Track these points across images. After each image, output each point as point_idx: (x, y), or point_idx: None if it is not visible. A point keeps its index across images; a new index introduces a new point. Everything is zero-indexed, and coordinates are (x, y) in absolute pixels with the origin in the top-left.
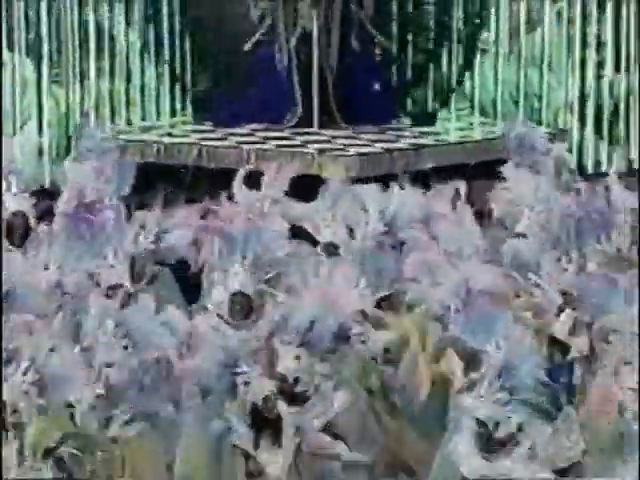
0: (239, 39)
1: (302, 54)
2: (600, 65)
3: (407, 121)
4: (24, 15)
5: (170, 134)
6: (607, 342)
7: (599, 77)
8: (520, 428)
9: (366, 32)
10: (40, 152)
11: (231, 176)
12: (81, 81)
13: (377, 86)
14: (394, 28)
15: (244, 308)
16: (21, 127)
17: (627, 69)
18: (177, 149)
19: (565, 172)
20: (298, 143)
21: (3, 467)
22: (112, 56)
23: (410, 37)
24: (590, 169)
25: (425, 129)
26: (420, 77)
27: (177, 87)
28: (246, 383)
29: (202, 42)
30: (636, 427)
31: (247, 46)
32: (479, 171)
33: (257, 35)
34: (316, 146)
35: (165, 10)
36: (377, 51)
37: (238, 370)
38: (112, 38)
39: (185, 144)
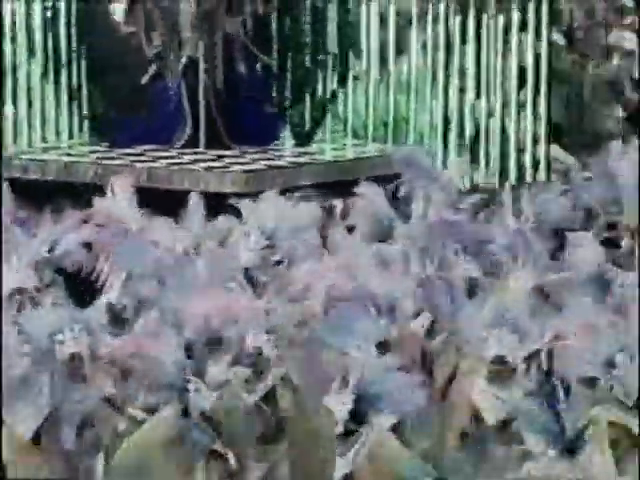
0: (133, 65)
1: (189, 78)
2: (462, 91)
3: (288, 141)
4: None
5: (69, 154)
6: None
7: (461, 102)
8: None
9: (250, 55)
10: None
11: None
12: None
13: (261, 107)
14: (275, 51)
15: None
16: None
17: (487, 95)
18: (75, 167)
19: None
20: (186, 161)
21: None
22: (14, 81)
23: (289, 61)
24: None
25: (303, 149)
26: (298, 100)
27: (75, 110)
28: None
29: (98, 68)
30: None
31: (144, 79)
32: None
33: (153, 68)
34: (202, 164)
35: (64, 38)
36: (261, 74)
37: None
38: (14, 65)
39: (83, 163)
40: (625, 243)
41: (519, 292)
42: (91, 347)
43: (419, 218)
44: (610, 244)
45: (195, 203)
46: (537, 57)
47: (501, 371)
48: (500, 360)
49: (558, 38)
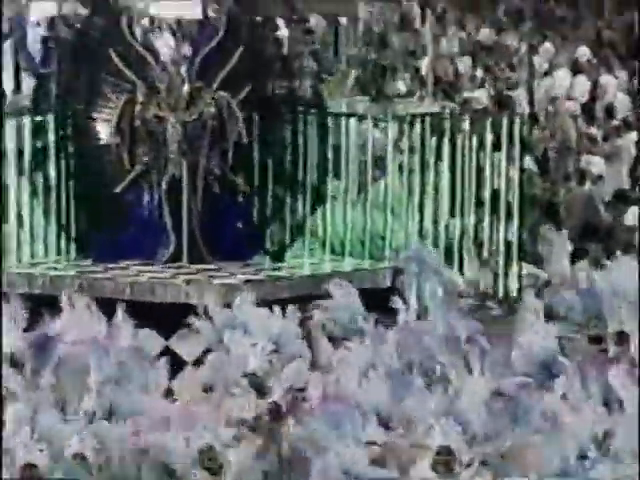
0: (114, 184)
1: (171, 197)
2: (436, 211)
3: (264, 257)
4: None
5: (55, 268)
6: None
7: (435, 221)
8: None
9: (229, 178)
10: None
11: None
12: None
13: (238, 225)
14: (254, 174)
15: None
16: None
17: (461, 214)
18: (60, 281)
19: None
20: (168, 275)
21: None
22: (5, 202)
23: (268, 183)
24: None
25: (281, 264)
26: (274, 219)
27: (63, 228)
28: None
29: (82, 190)
30: None
31: (118, 189)
32: None
33: (129, 179)
34: (184, 277)
35: (52, 162)
36: (239, 195)
37: None
38: (3, 187)
39: (68, 276)
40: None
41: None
42: None
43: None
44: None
45: None
46: (509, 181)
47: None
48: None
49: (530, 164)
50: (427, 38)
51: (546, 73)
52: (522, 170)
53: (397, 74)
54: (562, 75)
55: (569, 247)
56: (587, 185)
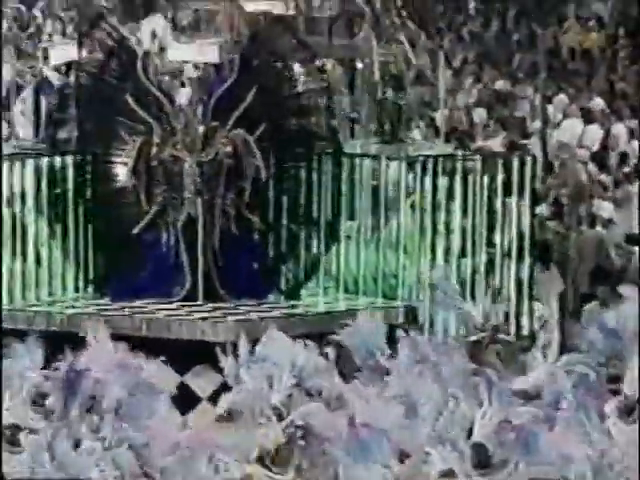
0: (131, 225)
1: (188, 236)
2: (448, 250)
3: (279, 295)
4: None
5: (73, 306)
6: None
7: (447, 260)
8: None
9: (244, 217)
10: None
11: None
12: None
13: (254, 264)
14: (269, 212)
15: None
16: None
17: (473, 254)
18: (78, 319)
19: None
20: (184, 313)
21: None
22: (24, 241)
23: (283, 221)
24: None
25: (296, 302)
26: (288, 257)
27: (80, 269)
28: None
29: (100, 231)
30: None
31: (137, 229)
32: None
33: (146, 220)
34: (200, 315)
35: (70, 203)
36: (254, 233)
37: None
38: (24, 226)
39: (85, 314)
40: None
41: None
42: None
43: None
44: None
45: None
46: (520, 224)
47: None
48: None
49: (543, 209)
50: (443, 91)
51: (559, 123)
52: (534, 215)
53: (412, 123)
54: (574, 124)
55: (560, 286)
56: (598, 228)
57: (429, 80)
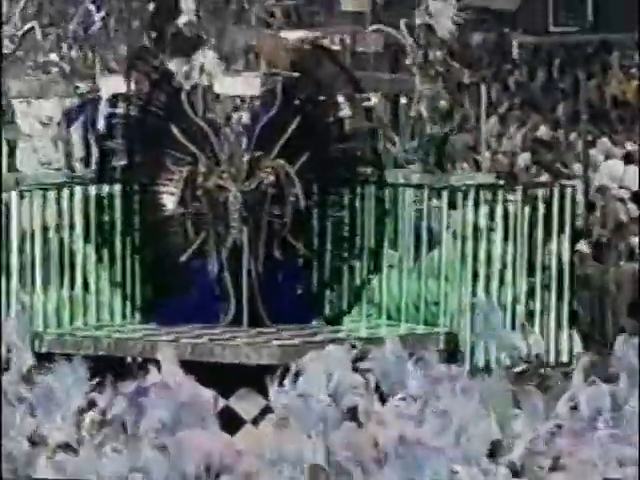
0: (178, 252)
1: (233, 263)
2: (488, 278)
3: (322, 321)
4: None
5: (119, 331)
6: None
7: (487, 290)
8: None
9: (288, 243)
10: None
11: None
12: (44, 288)
13: (298, 290)
14: (313, 239)
15: None
16: None
17: (513, 282)
18: (125, 344)
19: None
20: (228, 337)
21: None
22: (72, 268)
23: (326, 248)
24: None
25: (338, 327)
26: (333, 285)
27: (127, 296)
28: None
29: (147, 259)
30: None
31: (183, 257)
32: None
33: (192, 248)
34: (244, 340)
35: (118, 232)
36: (298, 260)
37: None
38: (72, 253)
39: (132, 339)
40: None
41: None
42: None
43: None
44: None
45: None
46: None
47: None
48: None
49: (583, 247)
50: (488, 136)
51: (600, 165)
52: (574, 251)
53: (456, 163)
54: (615, 165)
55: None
56: (636, 263)
57: (473, 124)
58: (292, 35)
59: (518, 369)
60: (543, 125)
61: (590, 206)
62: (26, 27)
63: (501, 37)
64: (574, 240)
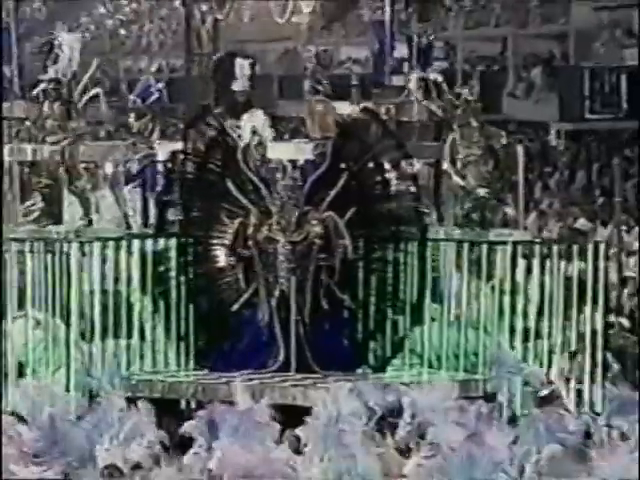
0: (230, 301)
1: (281, 311)
2: (526, 331)
3: (367, 369)
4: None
5: (174, 376)
6: None
7: (525, 342)
8: None
9: (335, 294)
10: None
11: None
12: (103, 338)
13: (344, 339)
14: (359, 291)
15: None
16: (53, 373)
17: (549, 335)
18: (178, 386)
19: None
20: (277, 380)
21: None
22: (129, 318)
23: (371, 300)
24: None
25: (382, 375)
26: (377, 335)
27: (181, 344)
28: None
29: (200, 309)
30: None
31: (235, 306)
32: None
33: (244, 298)
34: (290, 383)
35: (173, 283)
36: (344, 310)
37: None
38: (129, 304)
39: (185, 382)
40: None
41: None
42: None
43: None
44: None
45: None
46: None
47: None
48: None
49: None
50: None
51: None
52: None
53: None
54: None
55: None
56: None
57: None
58: (341, 105)
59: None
60: (582, 217)
61: (623, 281)
62: (92, 92)
63: (543, 145)
64: (606, 312)
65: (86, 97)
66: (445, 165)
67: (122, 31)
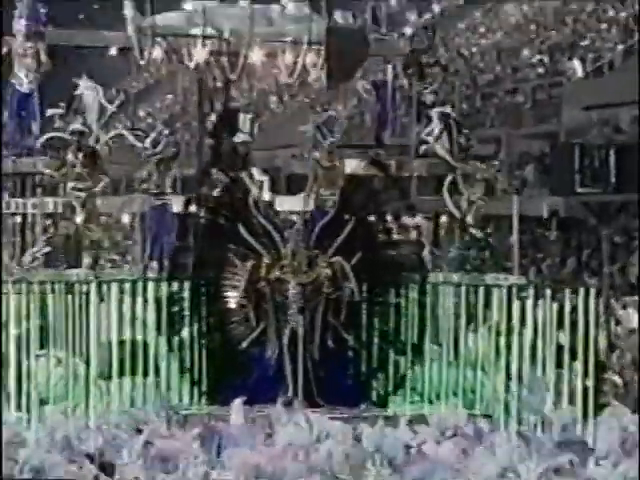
0: (240, 339)
1: (290, 349)
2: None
3: (370, 405)
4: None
5: (187, 409)
6: None
7: (520, 378)
8: None
9: (340, 334)
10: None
11: None
12: (120, 376)
13: (348, 376)
14: (362, 331)
15: None
16: (73, 409)
17: (543, 372)
18: (192, 417)
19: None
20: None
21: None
22: (146, 363)
23: (373, 341)
24: None
25: (384, 409)
26: (378, 373)
27: (195, 381)
28: None
29: (212, 346)
30: None
31: (245, 344)
32: None
33: (254, 335)
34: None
35: (187, 323)
36: (349, 349)
37: None
38: (145, 345)
39: (197, 415)
40: None
41: None
42: None
43: None
44: None
45: None
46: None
47: None
48: None
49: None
50: None
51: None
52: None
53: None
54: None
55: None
56: None
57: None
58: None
59: None
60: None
61: (611, 347)
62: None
63: (535, 236)
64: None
65: (110, 135)
66: (444, 218)
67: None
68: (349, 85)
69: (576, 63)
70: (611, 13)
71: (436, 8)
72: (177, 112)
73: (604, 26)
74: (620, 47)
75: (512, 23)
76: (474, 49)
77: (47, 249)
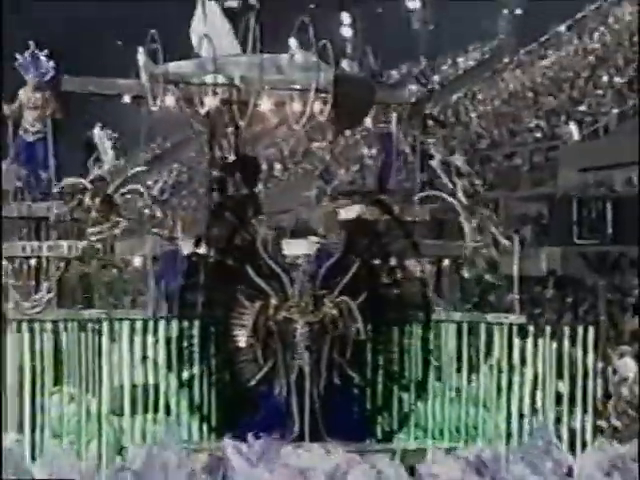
0: (249, 377)
1: (297, 386)
2: (521, 406)
3: (375, 441)
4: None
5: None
6: None
7: (521, 416)
8: None
9: (346, 371)
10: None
11: None
12: (132, 412)
13: (354, 413)
14: (367, 369)
15: None
16: (86, 445)
17: (543, 410)
18: (199, 452)
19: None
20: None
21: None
22: (156, 394)
23: (378, 378)
24: None
25: (389, 444)
26: (383, 410)
27: (204, 418)
28: None
29: (221, 384)
30: None
31: (253, 381)
32: None
33: (261, 374)
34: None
35: (196, 361)
36: (354, 387)
37: None
38: (156, 381)
39: (206, 449)
40: None
41: None
42: None
43: None
44: None
45: None
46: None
47: None
48: None
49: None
50: None
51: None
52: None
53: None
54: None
55: None
56: None
57: None
58: (348, 210)
59: None
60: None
61: (607, 396)
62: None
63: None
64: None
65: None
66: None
67: None
68: (353, 152)
69: (572, 127)
70: (605, 79)
71: (436, 78)
72: (189, 157)
73: (599, 92)
74: (615, 111)
75: (510, 90)
76: (473, 114)
77: (53, 293)
